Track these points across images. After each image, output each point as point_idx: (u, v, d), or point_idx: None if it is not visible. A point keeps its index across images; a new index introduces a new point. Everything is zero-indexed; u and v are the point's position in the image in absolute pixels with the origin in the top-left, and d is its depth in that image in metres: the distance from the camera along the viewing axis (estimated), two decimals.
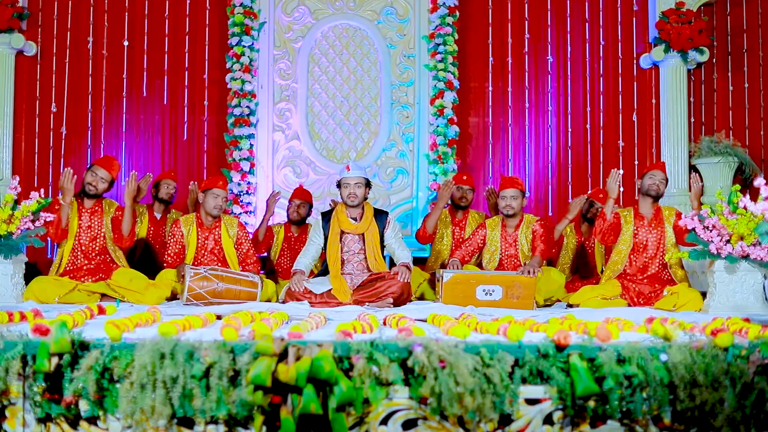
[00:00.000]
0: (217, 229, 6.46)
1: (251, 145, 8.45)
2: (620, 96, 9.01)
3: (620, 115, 8.99)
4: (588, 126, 8.98)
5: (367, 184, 6.00)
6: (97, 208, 6.24)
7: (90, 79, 8.64)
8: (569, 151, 8.97)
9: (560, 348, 3.30)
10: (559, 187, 8.94)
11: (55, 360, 3.20)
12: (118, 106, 8.66)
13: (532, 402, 3.27)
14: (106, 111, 8.64)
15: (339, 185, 6.04)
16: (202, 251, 6.42)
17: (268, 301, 6.28)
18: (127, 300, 5.92)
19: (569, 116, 8.99)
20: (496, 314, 4.92)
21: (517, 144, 8.98)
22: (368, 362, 3.15)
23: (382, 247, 6.09)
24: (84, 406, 3.18)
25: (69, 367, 3.20)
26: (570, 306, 6.22)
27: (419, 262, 7.69)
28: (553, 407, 3.27)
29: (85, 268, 6.11)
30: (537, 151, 8.97)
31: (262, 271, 7.21)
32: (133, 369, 3.11)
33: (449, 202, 7.25)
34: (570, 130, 8.98)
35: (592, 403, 3.27)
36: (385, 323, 4.31)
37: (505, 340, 3.38)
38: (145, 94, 8.69)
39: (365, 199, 6.05)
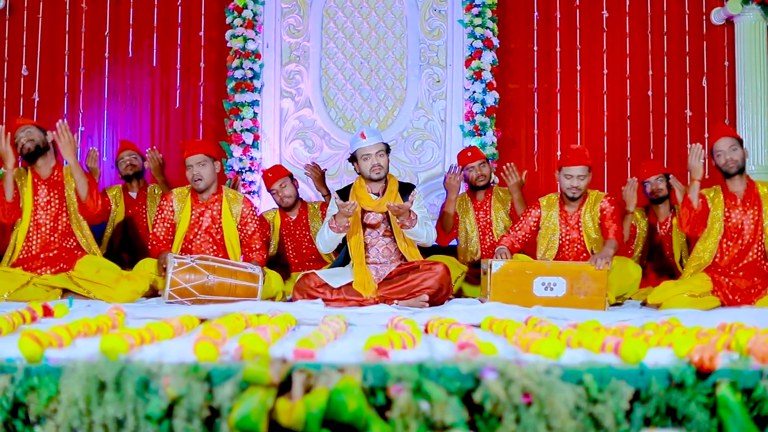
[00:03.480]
0: (216, 204, 5.52)
1: (255, 114, 7.68)
2: (687, 57, 8.17)
3: (687, 80, 8.16)
4: (650, 92, 8.15)
5: (388, 150, 5.22)
6: (56, 178, 5.28)
7: (67, 37, 7.91)
8: (628, 121, 8.13)
9: (702, 374, 2.29)
10: (615, 164, 8.09)
11: None
12: (100, 69, 7.93)
13: None
14: (85, 75, 7.91)
15: (354, 159, 5.21)
16: (196, 230, 5.48)
17: (272, 299, 5.39)
18: (93, 296, 5.00)
19: (627, 81, 8.16)
20: (570, 317, 3.91)
21: (567, 114, 8.15)
22: (415, 396, 2.17)
23: None
24: None
25: None
26: (644, 305, 5.32)
27: (452, 252, 6.83)
28: None
29: (42, 256, 5.15)
30: (590, 123, 8.15)
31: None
32: (60, 405, 2.17)
33: (463, 184, 6.52)
34: (629, 97, 8.15)
35: None
36: (427, 331, 3.32)
37: (617, 362, 2.37)
38: (131, 55, 7.95)
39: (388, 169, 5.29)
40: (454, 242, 6.77)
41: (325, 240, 5.11)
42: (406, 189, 5.27)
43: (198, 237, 5.47)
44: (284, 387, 2.16)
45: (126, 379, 2.18)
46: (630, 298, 5.69)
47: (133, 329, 2.60)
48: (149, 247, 5.54)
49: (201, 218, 5.48)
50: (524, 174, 6.45)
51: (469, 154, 6.48)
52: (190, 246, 5.43)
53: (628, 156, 8.08)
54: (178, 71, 7.96)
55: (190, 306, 4.64)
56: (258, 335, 2.44)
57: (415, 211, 5.05)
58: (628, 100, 8.15)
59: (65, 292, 5.04)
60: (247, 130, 7.60)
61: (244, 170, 7.54)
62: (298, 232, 6.40)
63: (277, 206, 6.48)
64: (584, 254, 5.50)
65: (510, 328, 3.03)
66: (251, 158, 7.59)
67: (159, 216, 5.50)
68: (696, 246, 5.32)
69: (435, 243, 5.40)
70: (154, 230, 5.49)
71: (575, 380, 2.23)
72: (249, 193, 7.52)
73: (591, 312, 4.41)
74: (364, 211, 5.18)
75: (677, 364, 2.31)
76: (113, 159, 7.08)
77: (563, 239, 5.61)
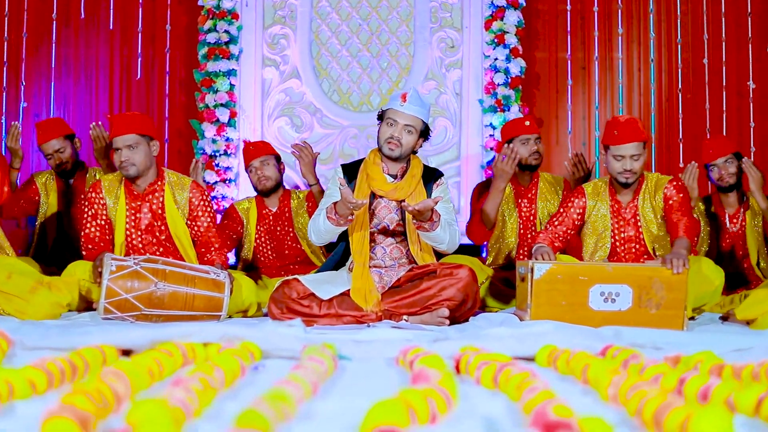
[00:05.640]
0: (156, 194, 4.62)
1: (231, 86, 6.99)
2: (749, 19, 7.40)
3: (749, 47, 7.41)
4: (705, 61, 7.39)
5: (423, 134, 4.40)
6: None
7: None
8: (679, 95, 7.37)
9: None
10: (665, 145, 7.33)
11: None
12: (47, 34, 7.22)
13: None
14: (28, 41, 7.20)
15: (381, 118, 4.42)
16: (135, 231, 4.60)
17: (244, 313, 4.58)
18: (2, 311, 4.04)
19: (679, 48, 7.42)
20: (663, 344, 2.90)
21: (606, 87, 7.43)
22: None
23: None
24: None
25: None
26: (726, 319, 4.47)
27: (472, 251, 6.11)
28: None
29: None
30: (633, 97, 7.44)
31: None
32: None
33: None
34: (680, 67, 7.41)
35: None
36: (459, 370, 2.33)
37: None
38: (83, 17, 7.21)
39: (414, 152, 4.45)
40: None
41: (320, 231, 4.27)
42: (430, 176, 4.50)
43: (138, 239, 4.61)
44: None
45: None
46: (705, 311, 4.79)
47: None
48: (83, 252, 4.67)
49: (138, 215, 4.62)
50: (594, 165, 5.61)
51: (527, 123, 5.64)
52: (130, 252, 4.57)
53: (680, 136, 7.33)
54: (140, 36, 7.30)
55: (132, 324, 3.82)
56: (164, 402, 1.38)
57: (438, 207, 4.23)
58: (680, 70, 7.43)
59: None
60: (221, 105, 6.92)
61: (218, 154, 6.83)
62: (278, 228, 5.62)
63: (252, 195, 5.75)
64: (645, 256, 4.59)
65: (597, 371, 1.98)
66: (227, 139, 6.87)
67: (88, 213, 4.62)
68: None
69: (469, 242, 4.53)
70: (86, 231, 4.63)
71: None
72: (224, 181, 6.81)
73: (690, 335, 3.50)
74: (374, 196, 4.36)
75: None
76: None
77: (616, 237, 4.69)
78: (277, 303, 4.08)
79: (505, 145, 5.44)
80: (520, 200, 5.59)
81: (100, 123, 5.84)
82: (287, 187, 5.94)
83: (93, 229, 4.56)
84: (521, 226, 5.56)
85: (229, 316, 4.27)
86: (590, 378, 2.02)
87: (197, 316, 4.05)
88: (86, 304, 4.35)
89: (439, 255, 4.72)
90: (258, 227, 5.60)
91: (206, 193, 4.79)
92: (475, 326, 3.88)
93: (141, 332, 2.64)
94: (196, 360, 2.43)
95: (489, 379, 2.01)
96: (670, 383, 1.93)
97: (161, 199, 4.60)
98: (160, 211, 4.58)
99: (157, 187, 4.60)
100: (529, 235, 5.47)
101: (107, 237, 4.57)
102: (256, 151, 5.61)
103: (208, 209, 4.70)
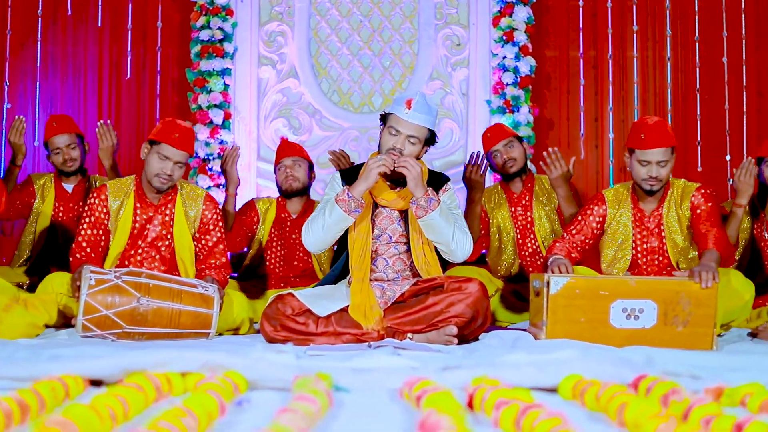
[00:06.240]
0: (169, 206, 4.46)
1: (226, 86, 6.89)
2: None
3: None
4: (725, 59, 7.25)
5: (429, 141, 4.16)
6: None
7: None
8: (698, 95, 7.23)
9: None
10: (682, 147, 7.04)
11: None
12: (32, 31, 7.13)
13: None
14: (13, 38, 7.11)
15: (383, 120, 4.18)
16: (139, 242, 4.43)
17: (235, 331, 4.38)
18: None
19: (697, 45, 7.28)
20: (699, 371, 2.61)
21: (619, 87, 7.30)
22: None
23: None
24: None
25: None
26: (756, 335, 4.24)
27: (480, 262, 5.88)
28: None
29: None
30: (648, 97, 7.30)
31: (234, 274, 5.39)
32: None
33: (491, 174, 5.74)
34: (698, 66, 7.27)
35: None
36: (472, 406, 2.08)
37: None
38: (70, 13, 7.12)
39: (417, 158, 4.24)
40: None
41: (326, 225, 4.01)
42: (436, 181, 4.29)
43: (140, 252, 4.44)
44: None
45: None
46: (732, 326, 4.55)
47: None
48: (70, 259, 4.46)
49: (147, 226, 4.45)
50: (572, 162, 5.38)
51: (489, 134, 5.53)
52: (127, 264, 4.39)
53: (698, 139, 7.18)
54: (130, 33, 7.19)
55: (109, 346, 3.58)
56: None
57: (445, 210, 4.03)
58: (698, 69, 7.28)
59: None
60: (215, 106, 6.81)
61: (211, 157, 6.72)
62: (294, 236, 5.47)
63: (275, 195, 5.70)
64: (668, 269, 4.39)
65: (637, 413, 1.72)
66: (221, 142, 6.75)
67: (87, 218, 4.42)
68: None
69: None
70: (79, 238, 4.43)
71: None
72: (218, 186, 6.65)
73: (728, 359, 3.23)
74: (375, 206, 4.16)
75: None
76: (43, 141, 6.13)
77: (638, 248, 4.48)
78: (270, 320, 3.85)
79: (473, 154, 5.47)
80: (514, 208, 5.48)
81: (109, 121, 5.79)
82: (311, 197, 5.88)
83: (89, 238, 4.39)
84: (518, 235, 5.44)
85: (219, 334, 4.09)
86: (628, 421, 1.76)
87: (184, 333, 3.88)
88: (65, 320, 4.13)
89: (445, 267, 4.52)
90: (272, 230, 5.49)
91: (219, 209, 4.65)
92: (487, 347, 3.66)
93: (112, 360, 2.37)
94: (173, 393, 2.18)
95: (509, 422, 1.75)
96: (724, 430, 1.67)
97: (173, 211, 4.47)
98: (170, 225, 4.45)
99: (170, 198, 4.48)
100: (528, 244, 5.35)
101: (100, 248, 4.40)
102: (291, 150, 5.57)
103: (220, 224, 4.57)
